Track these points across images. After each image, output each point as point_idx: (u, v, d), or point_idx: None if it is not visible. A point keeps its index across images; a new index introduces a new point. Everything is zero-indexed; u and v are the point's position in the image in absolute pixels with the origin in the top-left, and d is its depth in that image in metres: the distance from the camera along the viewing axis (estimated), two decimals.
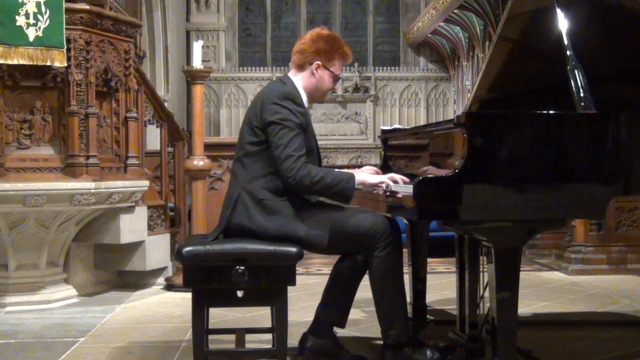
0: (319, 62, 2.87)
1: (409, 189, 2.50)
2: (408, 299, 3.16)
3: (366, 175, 2.82)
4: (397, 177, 2.79)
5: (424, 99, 16.76)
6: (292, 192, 2.75)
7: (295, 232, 2.69)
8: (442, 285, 4.74)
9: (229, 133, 16.09)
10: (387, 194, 2.75)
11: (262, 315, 3.74)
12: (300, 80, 2.90)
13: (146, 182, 4.59)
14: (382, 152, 3.59)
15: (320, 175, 2.68)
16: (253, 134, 2.79)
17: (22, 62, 3.98)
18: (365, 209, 3.03)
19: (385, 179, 2.76)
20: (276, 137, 2.71)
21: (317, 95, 2.94)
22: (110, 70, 4.37)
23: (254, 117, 2.80)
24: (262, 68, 16.82)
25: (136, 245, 4.72)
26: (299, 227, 2.70)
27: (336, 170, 2.81)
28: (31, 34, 3.96)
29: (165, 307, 4.25)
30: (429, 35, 15.63)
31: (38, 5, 3.96)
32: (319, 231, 2.71)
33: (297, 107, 2.75)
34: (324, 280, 2.98)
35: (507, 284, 2.49)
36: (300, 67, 2.90)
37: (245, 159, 2.80)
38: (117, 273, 4.92)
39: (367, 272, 2.82)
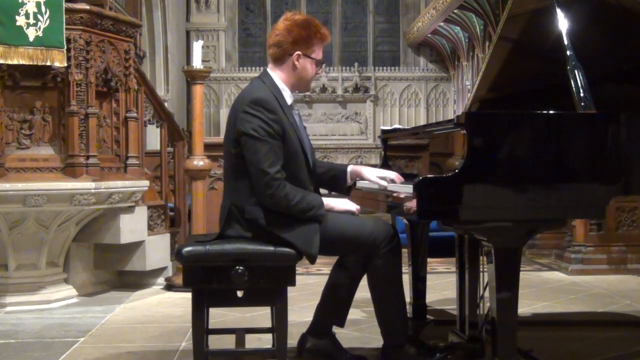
0: (299, 52, 2.72)
1: (408, 189, 2.50)
2: (408, 299, 3.16)
3: (333, 201, 2.76)
4: (384, 177, 2.81)
5: (424, 99, 16.76)
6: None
7: (293, 246, 2.61)
8: (442, 285, 4.73)
9: None
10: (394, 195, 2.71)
11: (262, 315, 3.74)
12: (280, 74, 2.76)
13: (146, 182, 4.59)
14: (382, 152, 3.59)
15: (296, 200, 2.60)
16: (233, 146, 2.67)
17: (22, 62, 3.98)
18: (366, 211, 3.03)
19: (353, 208, 2.76)
20: (250, 152, 2.59)
21: (303, 84, 2.81)
22: (110, 70, 4.37)
23: (231, 128, 2.69)
24: (262, 68, 16.71)
25: (136, 245, 4.72)
26: (295, 241, 2.62)
27: (309, 193, 2.71)
28: (31, 34, 3.96)
29: (165, 307, 4.25)
30: (429, 35, 15.63)
31: (38, 5, 3.96)
32: (317, 242, 2.64)
33: (269, 115, 2.60)
34: (324, 280, 2.98)
35: (507, 284, 2.49)
36: (279, 60, 2.75)
37: (232, 171, 2.71)
38: (117, 273, 4.92)
39: (366, 275, 2.82)
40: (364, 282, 2.86)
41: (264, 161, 2.58)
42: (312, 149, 2.85)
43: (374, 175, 2.85)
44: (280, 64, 2.76)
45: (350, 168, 2.97)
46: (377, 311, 2.84)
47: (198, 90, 4.73)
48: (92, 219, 4.48)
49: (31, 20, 3.96)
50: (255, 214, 2.63)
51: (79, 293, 4.51)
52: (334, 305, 2.90)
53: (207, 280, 2.56)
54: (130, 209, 4.59)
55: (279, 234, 2.62)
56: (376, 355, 3.06)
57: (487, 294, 2.68)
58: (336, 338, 2.92)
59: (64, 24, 4.04)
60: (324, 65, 2.96)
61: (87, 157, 4.16)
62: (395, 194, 2.69)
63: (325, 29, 2.79)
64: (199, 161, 4.71)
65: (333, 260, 2.95)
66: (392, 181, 2.83)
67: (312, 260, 2.66)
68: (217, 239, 2.68)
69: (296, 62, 2.74)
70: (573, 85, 2.64)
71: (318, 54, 2.78)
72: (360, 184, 3.25)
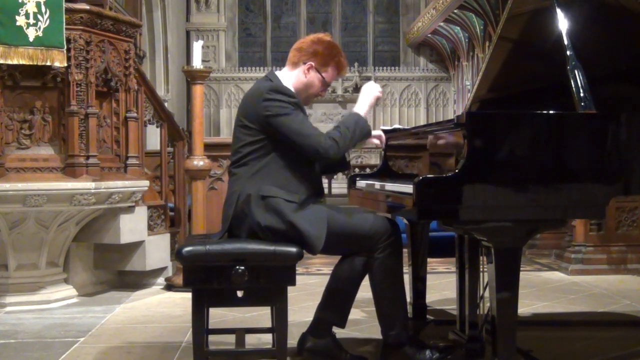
0: (312, 64, 2.85)
1: (408, 189, 2.50)
2: (408, 299, 3.16)
3: (361, 105, 2.91)
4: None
5: (424, 99, 16.78)
6: (297, 191, 2.73)
7: (295, 231, 2.68)
8: (442, 285, 4.73)
9: (229, 133, 16.02)
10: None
11: (262, 315, 3.74)
12: (290, 77, 2.88)
13: (146, 182, 4.59)
14: (382, 152, 3.59)
15: (341, 134, 2.74)
16: (249, 134, 2.77)
17: (22, 62, 3.97)
18: (366, 210, 3.03)
19: (378, 93, 2.97)
20: (285, 128, 2.70)
21: (304, 97, 2.89)
22: (110, 70, 4.37)
23: (247, 118, 2.77)
24: (262, 68, 16.83)
25: (136, 245, 4.72)
26: (298, 227, 2.68)
27: (342, 122, 2.85)
28: (31, 34, 3.96)
29: (165, 307, 4.25)
30: (429, 35, 15.64)
31: (38, 5, 3.96)
32: (319, 232, 2.70)
33: (291, 99, 2.74)
34: (324, 280, 2.98)
35: (507, 284, 2.49)
36: (294, 65, 2.89)
37: (245, 158, 2.78)
38: (117, 273, 4.92)
39: (368, 272, 2.82)
40: (365, 282, 2.86)
41: (302, 128, 2.71)
42: None
43: (368, 102, 2.96)
44: (293, 68, 2.90)
45: None
46: (377, 307, 2.85)
47: (198, 90, 4.73)
48: (92, 219, 4.48)
49: (31, 20, 3.95)
50: (271, 191, 2.72)
51: (79, 293, 4.51)
52: (335, 305, 2.90)
53: (207, 280, 2.57)
54: (130, 209, 4.59)
55: (289, 214, 2.68)
56: (376, 355, 3.06)
57: (487, 294, 2.68)
58: (336, 338, 2.92)
59: (64, 24, 4.04)
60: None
61: (87, 157, 4.15)
62: (395, 194, 2.69)
63: (345, 60, 2.94)
64: (199, 161, 4.71)
65: (333, 260, 2.95)
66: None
67: (315, 250, 2.70)
68: (224, 228, 2.77)
69: (307, 72, 2.87)
70: (573, 85, 2.64)
71: (329, 75, 2.90)
72: (360, 184, 3.25)
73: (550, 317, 3.96)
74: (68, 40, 4.08)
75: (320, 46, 2.87)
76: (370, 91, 2.95)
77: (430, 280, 3.81)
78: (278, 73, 2.90)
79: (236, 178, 2.81)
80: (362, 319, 3.74)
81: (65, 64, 4.06)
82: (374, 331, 3.21)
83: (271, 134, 2.74)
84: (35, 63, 3.99)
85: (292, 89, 2.84)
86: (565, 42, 2.75)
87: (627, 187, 2.55)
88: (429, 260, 3.54)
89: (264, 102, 2.73)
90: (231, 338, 3.05)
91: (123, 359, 3.17)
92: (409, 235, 3.46)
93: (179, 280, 4.60)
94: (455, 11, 13.41)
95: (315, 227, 2.70)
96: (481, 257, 2.91)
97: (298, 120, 2.72)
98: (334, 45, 2.92)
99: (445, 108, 16.79)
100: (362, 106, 2.91)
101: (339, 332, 2.96)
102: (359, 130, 2.81)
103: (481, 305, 2.99)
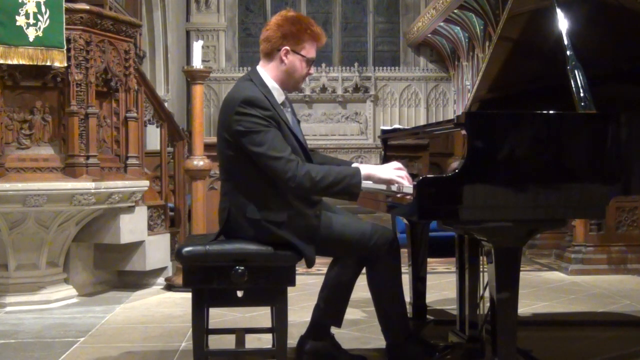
0: (287, 48, 2.64)
1: (408, 189, 2.50)
2: (408, 299, 3.16)
3: (374, 168, 2.62)
4: (403, 173, 2.60)
5: (424, 99, 16.76)
6: (284, 207, 2.60)
7: (294, 247, 2.60)
8: (442, 285, 4.73)
9: None
10: (399, 195, 2.58)
11: (262, 315, 3.74)
12: (270, 70, 2.68)
13: (146, 182, 4.59)
14: (382, 152, 3.59)
15: (321, 174, 2.50)
16: (228, 148, 2.62)
17: (22, 62, 3.98)
18: (365, 209, 3.03)
19: (395, 177, 2.56)
20: (254, 146, 2.52)
21: (292, 83, 2.70)
22: (110, 70, 4.37)
23: (224, 131, 2.62)
24: None
25: (136, 245, 4.72)
26: (296, 242, 2.60)
27: (341, 167, 2.63)
28: (31, 34, 3.96)
29: (165, 307, 4.25)
30: (429, 35, 15.62)
31: (38, 5, 3.96)
32: (316, 247, 2.63)
33: (263, 112, 2.54)
34: None
35: (507, 284, 2.49)
36: (269, 56, 2.68)
37: (229, 173, 2.67)
38: (117, 273, 4.92)
39: (367, 279, 2.82)
40: (364, 282, 2.86)
41: (272, 148, 2.50)
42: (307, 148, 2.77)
43: (384, 176, 2.61)
44: (269, 59, 2.69)
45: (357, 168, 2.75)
46: (377, 308, 2.85)
47: (198, 90, 4.73)
48: (92, 219, 4.48)
49: (31, 20, 3.96)
50: (256, 213, 2.60)
51: (79, 293, 4.51)
52: (331, 305, 2.89)
53: (207, 280, 2.56)
54: (130, 209, 4.59)
55: (280, 234, 2.60)
56: (376, 356, 3.06)
57: (487, 294, 2.68)
58: (335, 339, 2.92)
59: (64, 24, 4.04)
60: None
61: (87, 157, 4.16)
62: (395, 194, 2.69)
63: (318, 28, 2.69)
64: (199, 161, 4.71)
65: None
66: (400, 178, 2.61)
67: (310, 264, 2.65)
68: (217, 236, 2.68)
69: (284, 58, 2.65)
70: (573, 85, 2.64)
71: (309, 51, 2.67)
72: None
73: (550, 317, 3.95)
74: (68, 40, 4.08)
75: (286, 26, 2.64)
76: (391, 172, 2.58)
77: (430, 280, 3.81)
78: (260, 69, 2.71)
79: (224, 193, 2.70)
80: (362, 319, 3.74)
81: (65, 64, 4.06)
82: (374, 331, 3.21)
83: (243, 148, 2.58)
84: (35, 63, 4.00)
85: (277, 83, 2.68)
86: (565, 42, 2.75)
87: (627, 187, 2.55)
88: (429, 260, 3.54)
89: (235, 115, 2.55)
90: (231, 338, 3.05)
91: (123, 359, 3.17)
92: (409, 235, 3.46)
93: (179, 280, 4.60)
94: (455, 11, 13.39)
95: (312, 246, 2.61)
96: (481, 257, 2.91)
97: (268, 138, 2.51)
98: (299, 18, 2.69)
99: (445, 108, 16.76)
100: (372, 169, 2.61)
101: (338, 333, 2.96)
102: (343, 186, 2.51)
103: (481, 305, 2.99)
